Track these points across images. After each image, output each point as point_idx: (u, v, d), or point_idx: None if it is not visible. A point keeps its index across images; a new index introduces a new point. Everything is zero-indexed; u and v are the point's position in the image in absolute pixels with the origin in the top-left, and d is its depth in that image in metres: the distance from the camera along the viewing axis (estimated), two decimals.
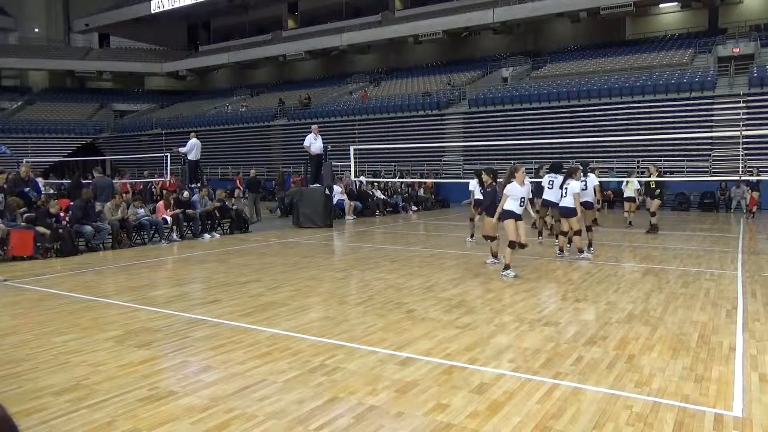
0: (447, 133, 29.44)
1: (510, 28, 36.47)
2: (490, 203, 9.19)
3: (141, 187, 21.91)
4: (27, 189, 12.31)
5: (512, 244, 8.30)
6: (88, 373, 4.43)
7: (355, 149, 16.22)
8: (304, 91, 39.39)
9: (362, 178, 21.21)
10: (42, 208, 11.30)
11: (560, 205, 10.10)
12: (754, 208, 18.41)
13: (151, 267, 9.66)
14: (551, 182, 10.98)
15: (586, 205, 10.98)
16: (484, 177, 9.95)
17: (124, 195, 14.70)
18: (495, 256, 9.61)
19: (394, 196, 21.96)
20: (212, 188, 16.96)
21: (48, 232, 10.50)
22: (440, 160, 28.17)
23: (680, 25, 33.58)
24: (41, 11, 51.23)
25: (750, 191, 18.76)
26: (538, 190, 12.22)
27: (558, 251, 10.39)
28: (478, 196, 11.45)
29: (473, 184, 11.77)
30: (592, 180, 11.85)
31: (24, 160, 22.38)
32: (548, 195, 11.14)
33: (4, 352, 4.99)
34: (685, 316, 6.08)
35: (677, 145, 22.07)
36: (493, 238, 9.38)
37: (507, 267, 8.37)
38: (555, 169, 11.31)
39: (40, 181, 18.19)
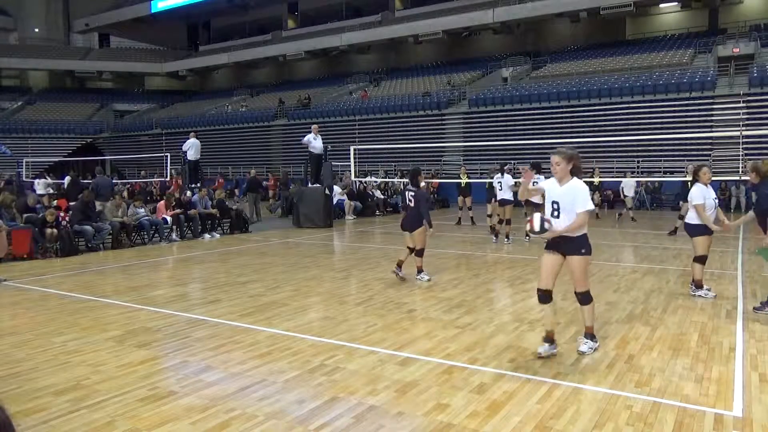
0: (447, 133, 29.42)
1: (510, 28, 36.45)
2: None
3: (140, 187, 21.94)
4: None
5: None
6: (88, 373, 4.43)
7: (355, 149, 16.24)
8: (304, 91, 39.38)
9: (371, 177, 21.22)
10: (41, 207, 11.30)
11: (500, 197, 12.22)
12: None
13: (151, 267, 9.65)
14: (534, 183, 11.30)
15: (504, 202, 12.38)
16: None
17: (126, 195, 14.76)
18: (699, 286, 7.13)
19: (394, 196, 21.94)
20: (219, 186, 16.98)
21: (47, 231, 10.51)
22: (440, 160, 28.15)
23: (680, 25, 33.56)
24: (41, 11, 51.17)
25: None
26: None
27: (495, 237, 12.34)
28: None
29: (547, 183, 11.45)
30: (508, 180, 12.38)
31: (25, 169, 22.41)
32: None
33: (4, 352, 4.99)
34: (685, 316, 6.08)
35: (677, 145, 22.06)
36: None
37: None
38: (536, 168, 11.67)
39: (41, 182, 18.33)
